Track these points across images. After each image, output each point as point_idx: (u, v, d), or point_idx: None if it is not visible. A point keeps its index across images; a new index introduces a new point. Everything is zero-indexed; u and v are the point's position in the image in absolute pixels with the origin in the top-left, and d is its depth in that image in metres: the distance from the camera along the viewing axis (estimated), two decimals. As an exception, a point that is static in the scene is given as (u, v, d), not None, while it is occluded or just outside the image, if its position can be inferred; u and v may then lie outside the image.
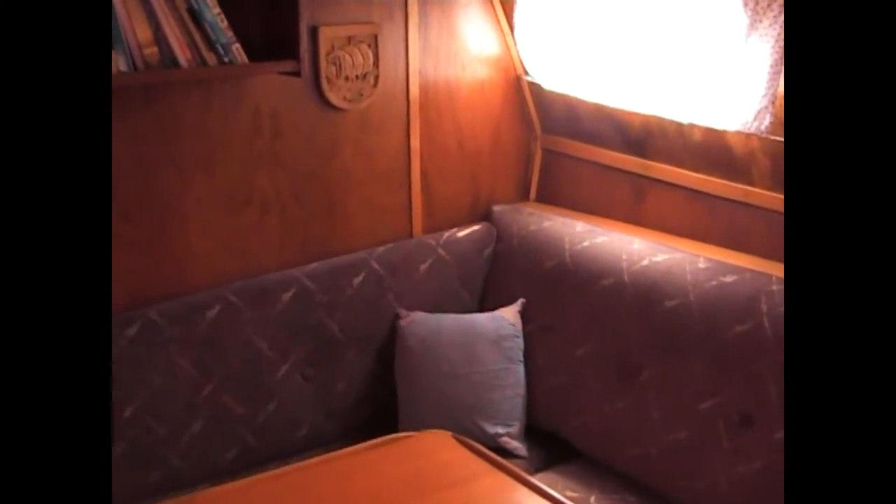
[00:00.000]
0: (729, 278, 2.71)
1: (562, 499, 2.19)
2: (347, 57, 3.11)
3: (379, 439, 2.49)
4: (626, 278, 2.92)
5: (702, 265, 2.80)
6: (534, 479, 2.29)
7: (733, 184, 2.88)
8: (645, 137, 3.14)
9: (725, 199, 2.93)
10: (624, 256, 2.97)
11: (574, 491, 2.81)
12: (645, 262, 2.91)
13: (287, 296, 3.02)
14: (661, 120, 3.02)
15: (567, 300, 3.08)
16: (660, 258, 2.90)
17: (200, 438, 2.89)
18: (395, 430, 2.96)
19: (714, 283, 2.73)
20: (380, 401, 3.18)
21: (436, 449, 2.45)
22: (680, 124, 2.96)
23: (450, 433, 2.49)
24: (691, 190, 3.05)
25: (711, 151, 2.91)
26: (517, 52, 3.45)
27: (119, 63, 2.58)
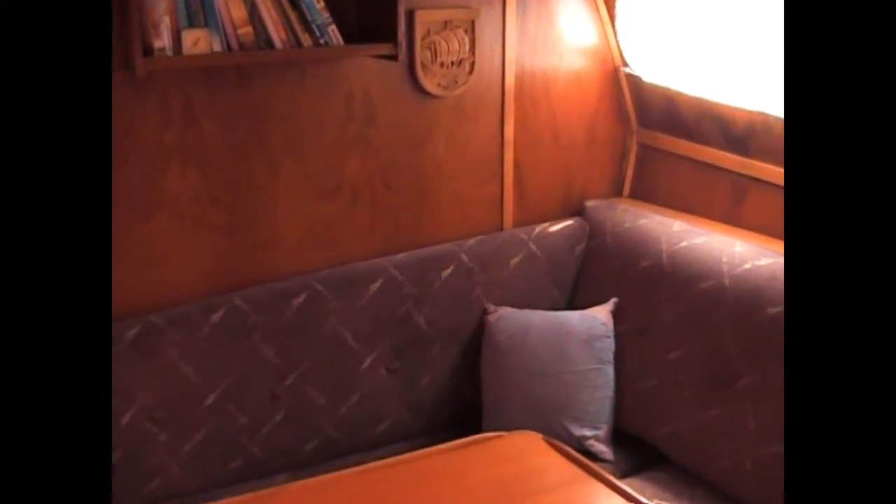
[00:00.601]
0: (838, 286, 2.58)
1: (657, 509, 2.10)
2: (443, 42, 3.03)
3: (466, 439, 2.41)
4: (726, 282, 2.80)
5: (808, 271, 2.67)
6: (629, 489, 2.19)
7: (844, 187, 2.75)
8: (749, 135, 3.01)
9: (835, 203, 2.80)
10: (724, 259, 2.84)
11: (662, 499, 2.71)
12: (747, 266, 2.79)
13: (374, 286, 2.96)
14: (768, 117, 2.89)
15: (662, 302, 2.97)
16: (763, 262, 2.77)
17: (281, 428, 2.85)
18: (479, 428, 2.90)
19: (821, 290, 2.60)
20: (464, 397, 3.10)
21: (525, 451, 2.36)
22: (789, 122, 2.83)
23: (540, 435, 2.40)
24: (797, 191, 2.91)
25: (822, 152, 2.77)
26: (616, 42, 3.34)
27: (213, 43, 2.55)
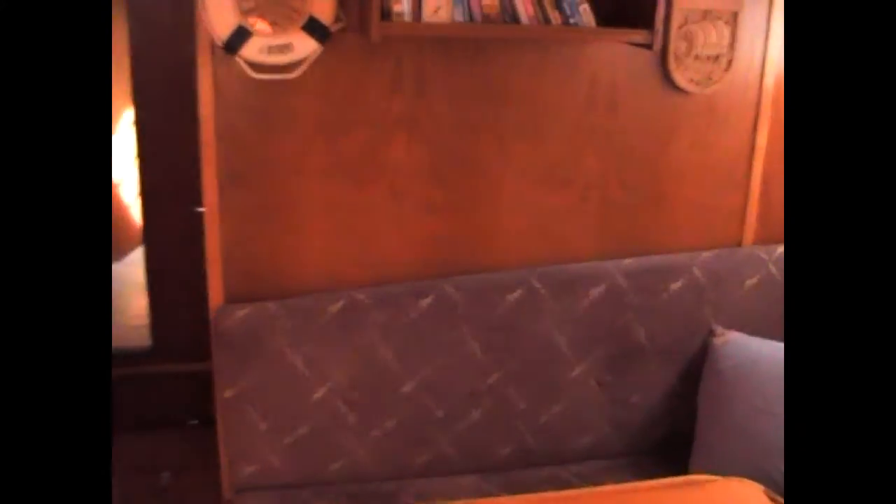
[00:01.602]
0: None
1: None
2: (701, 34, 2.77)
3: (678, 478, 2.21)
4: None
5: None
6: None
7: None
8: None
9: None
10: None
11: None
12: None
13: (596, 291, 2.75)
14: None
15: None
16: None
17: (477, 428, 2.72)
18: (687, 460, 2.70)
19: None
20: (676, 424, 2.86)
21: None
22: None
23: (761, 487, 2.18)
24: None
25: None
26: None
27: (455, 12, 2.41)
